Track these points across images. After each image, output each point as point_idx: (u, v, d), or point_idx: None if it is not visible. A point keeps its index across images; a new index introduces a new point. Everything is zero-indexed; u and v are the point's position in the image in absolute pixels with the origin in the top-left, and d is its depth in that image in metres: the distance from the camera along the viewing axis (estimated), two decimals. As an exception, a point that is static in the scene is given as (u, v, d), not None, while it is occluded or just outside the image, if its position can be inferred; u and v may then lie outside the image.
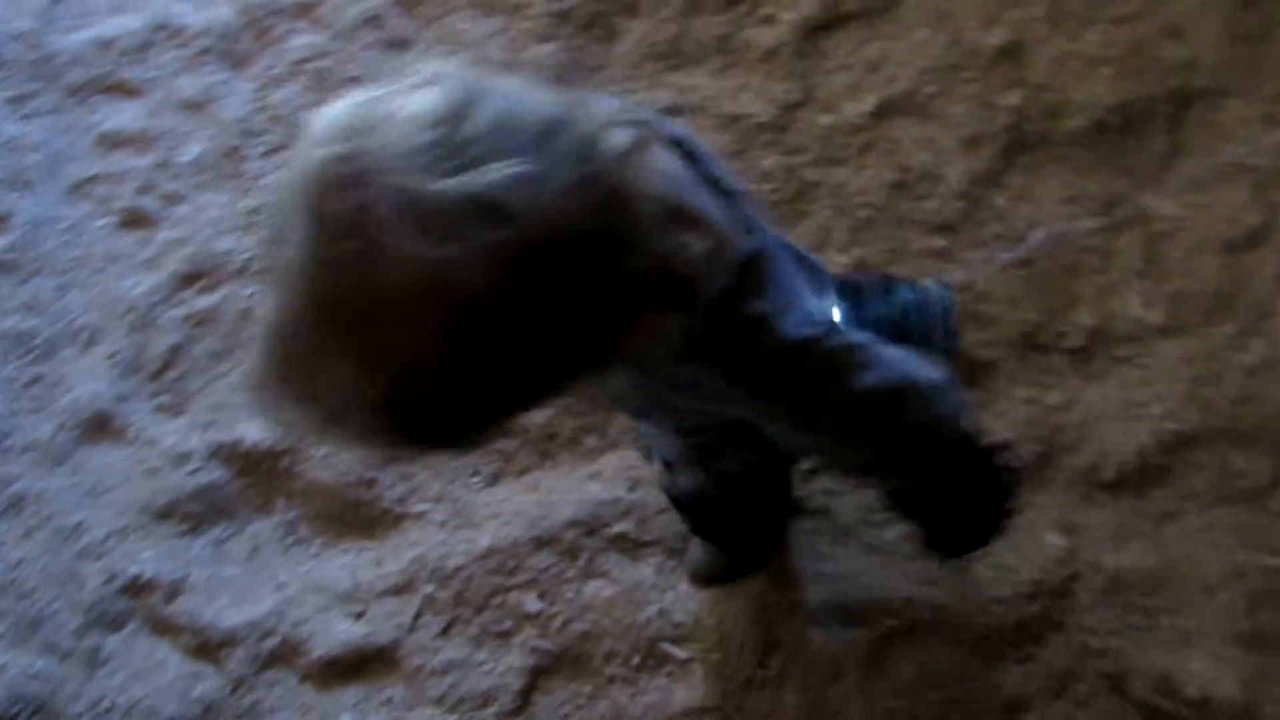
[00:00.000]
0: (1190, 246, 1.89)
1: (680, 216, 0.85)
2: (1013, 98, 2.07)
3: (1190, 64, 2.06)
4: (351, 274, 0.66)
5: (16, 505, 1.90)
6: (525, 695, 1.68)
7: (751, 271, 0.94)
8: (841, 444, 1.11)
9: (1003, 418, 1.77)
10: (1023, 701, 1.56)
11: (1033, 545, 1.65)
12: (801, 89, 2.14)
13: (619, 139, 0.77)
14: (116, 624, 1.80)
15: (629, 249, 0.74)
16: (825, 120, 2.10)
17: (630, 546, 1.76)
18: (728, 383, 0.98)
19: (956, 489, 1.24)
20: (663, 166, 0.88)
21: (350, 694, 1.72)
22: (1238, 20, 2.08)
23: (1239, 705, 1.50)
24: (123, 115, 2.31)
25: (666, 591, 1.71)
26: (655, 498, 1.73)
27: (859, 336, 1.05)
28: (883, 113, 2.09)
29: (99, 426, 1.97)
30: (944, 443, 1.13)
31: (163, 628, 1.79)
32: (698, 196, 0.90)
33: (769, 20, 2.23)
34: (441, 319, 0.67)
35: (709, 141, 2.06)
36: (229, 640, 1.77)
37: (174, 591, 1.80)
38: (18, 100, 2.31)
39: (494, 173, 0.66)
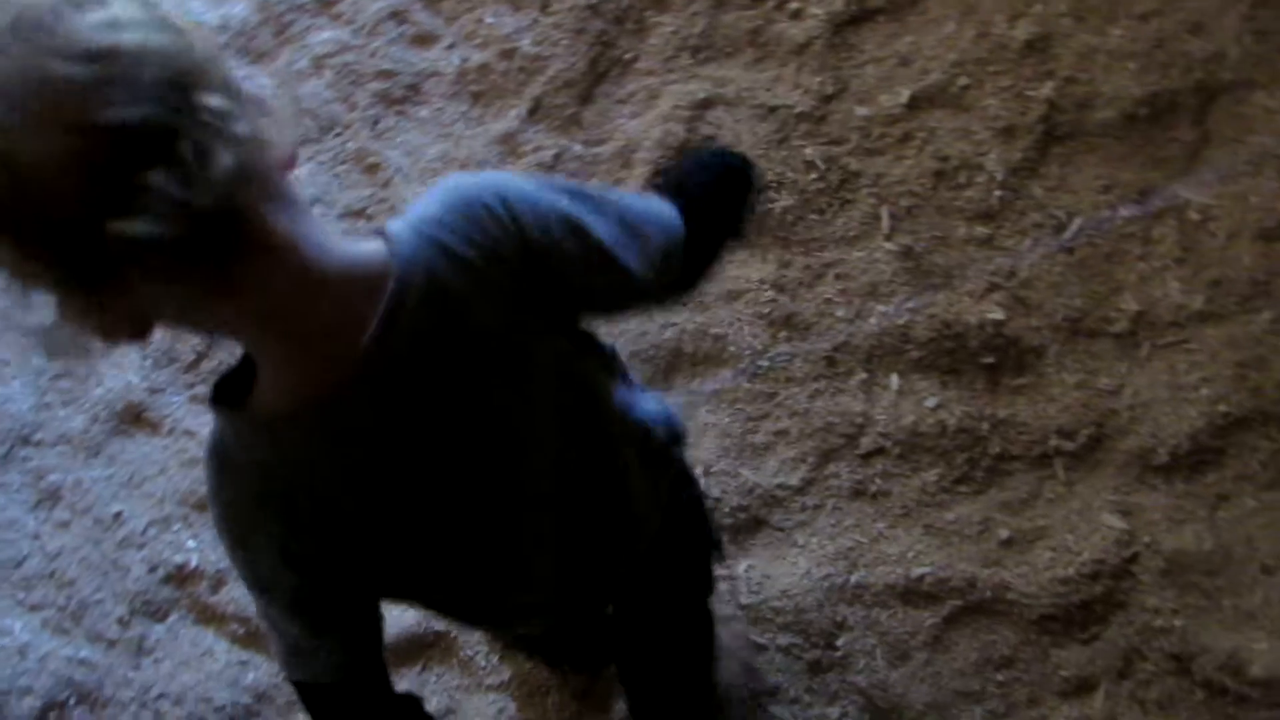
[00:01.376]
0: (1226, 234, 1.93)
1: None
2: (1044, 90, 2.10)
3: (1213, 58, 2.10)
4: None
5: (53, 496, 1.86)
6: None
7: None
8: None
9: (1054, 401, 1.79)
10: (1089, 681, 1.57)
11: (1091, 527, 1.67)
12: (835, 81, 2.15)
13: None
14: (161, 613, 1.76)
15: None
16: (862, 111, 2.11)
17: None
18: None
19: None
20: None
21: (405, 680, 1.70)
22: (1256, 16, 2.12)
23: (1304, 683, 1.52)
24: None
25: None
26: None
27: None
28: (917, 104, 2.12)
29: (133, 418, 1.93)
30: None
31: (208, 616, 1.76)
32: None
33: (798, 15, 2.25)
34: None
35: (748, 131, 2.09)
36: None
37: (218, 580, 1.77)
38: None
39: None
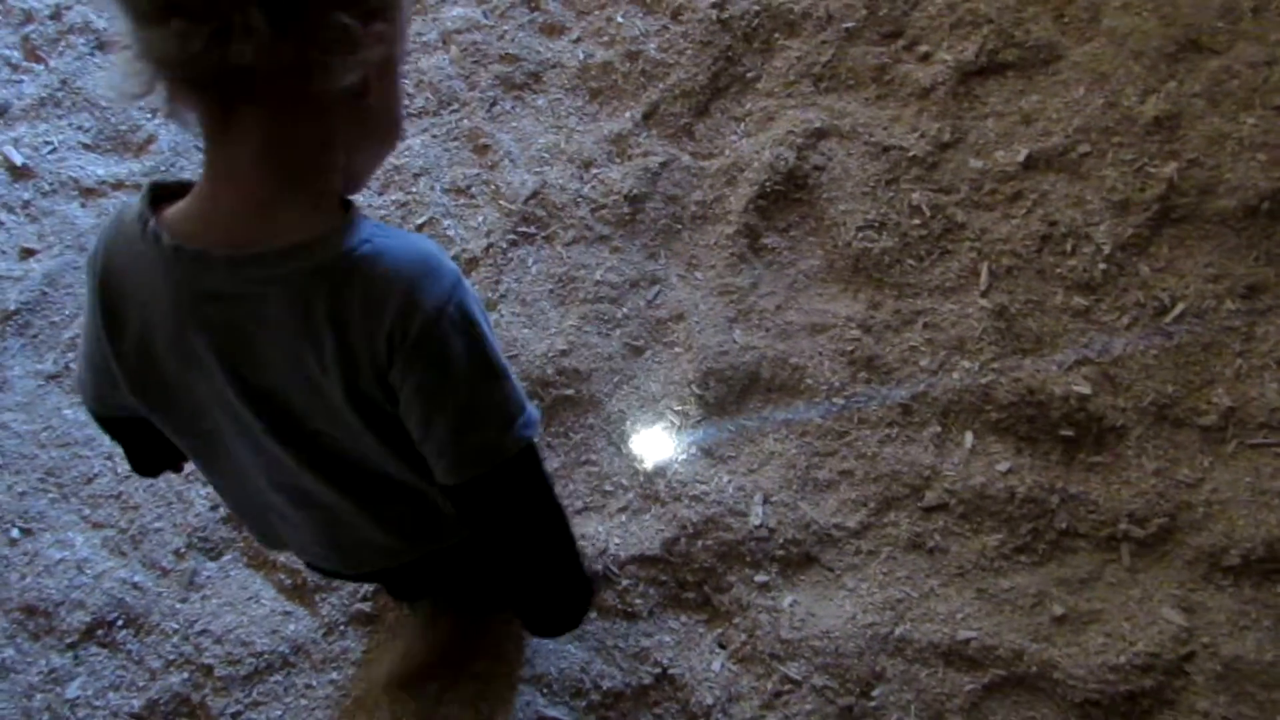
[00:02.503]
0: (1334, 343, 1.87)
1: None
2: (1166, 169, 2.06)
3: (1347, 162, 2.04)
4: None
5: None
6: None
7: None
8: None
9: (1130, 485, 1.75)
10: (1122, 774, 1.54)
11: (1149, 618, 1.63)
12: (954, 129, 2.13)
13: None
14: (216, 551, 1.80)
15: None
16: (976, 163, 2.09)
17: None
18: None
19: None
20: None
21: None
22: (1398, 126, 2.06)
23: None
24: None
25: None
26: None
27: None
28: (1034, 164, 2.09)
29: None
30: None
31: (260, 562, 1.79)
32: None
33: (926, 58, 2.23)
34: None
35: (858, 167, 2.08)
36: (324, 586, 1.77)
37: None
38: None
39: None
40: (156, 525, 1.81)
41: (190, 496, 1.83)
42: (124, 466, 1.86)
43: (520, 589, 1.22)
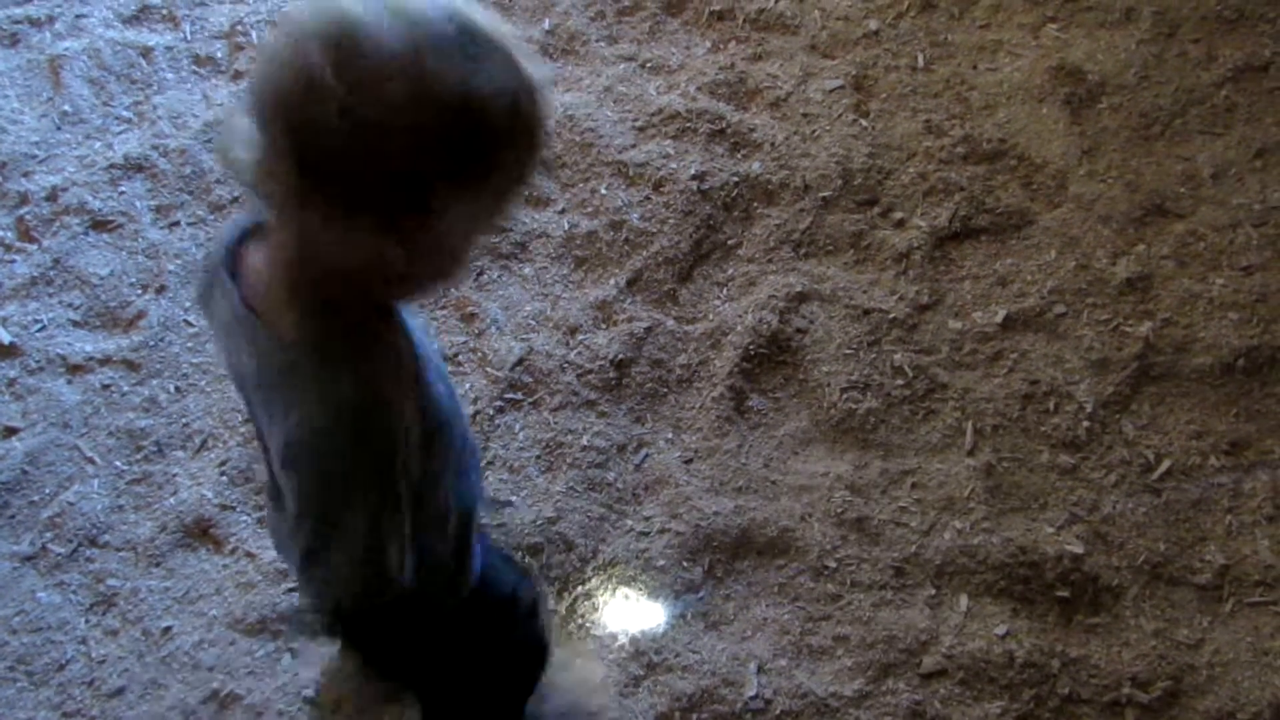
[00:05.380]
0: (1321, 497, 1.88)
1: None
2: (1141, 328, 2.11)
3: (1316, 318, 2.10)
4: None
5: (108, 601, 1.86)
6: None
7: None
8: None
9: (1130, 647, 1.73)
10: None
11: (1160, 786, 1.58)
12: (931, 292, 2.18)
13: None
14: (196, 738, 1.73)
15: None
16: (955, 324, 2.13)
17: None
18: None
19: None
20: None
21: None
22: (1362, 282, 2.13)
23: None
24: (262, 233, 2.38)
25: None
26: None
27: None
28: (1012, 325, 2.13)
29: (200, 532, 1.94)
30: None
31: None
32: None
33: (902, 225, 2.30)
34: None
35: (840, 330, 2.11)
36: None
37: (256, 713, 1.74)
38: (164, 209, 2.38)
39: None
40: (130, 714, 1.75)
41: (166, 682, 1.78)
42: (98, 651, 1.81)
43: None
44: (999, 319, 2.13)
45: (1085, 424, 1.99)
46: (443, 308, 2.25)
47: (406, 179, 0.83)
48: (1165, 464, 1.94)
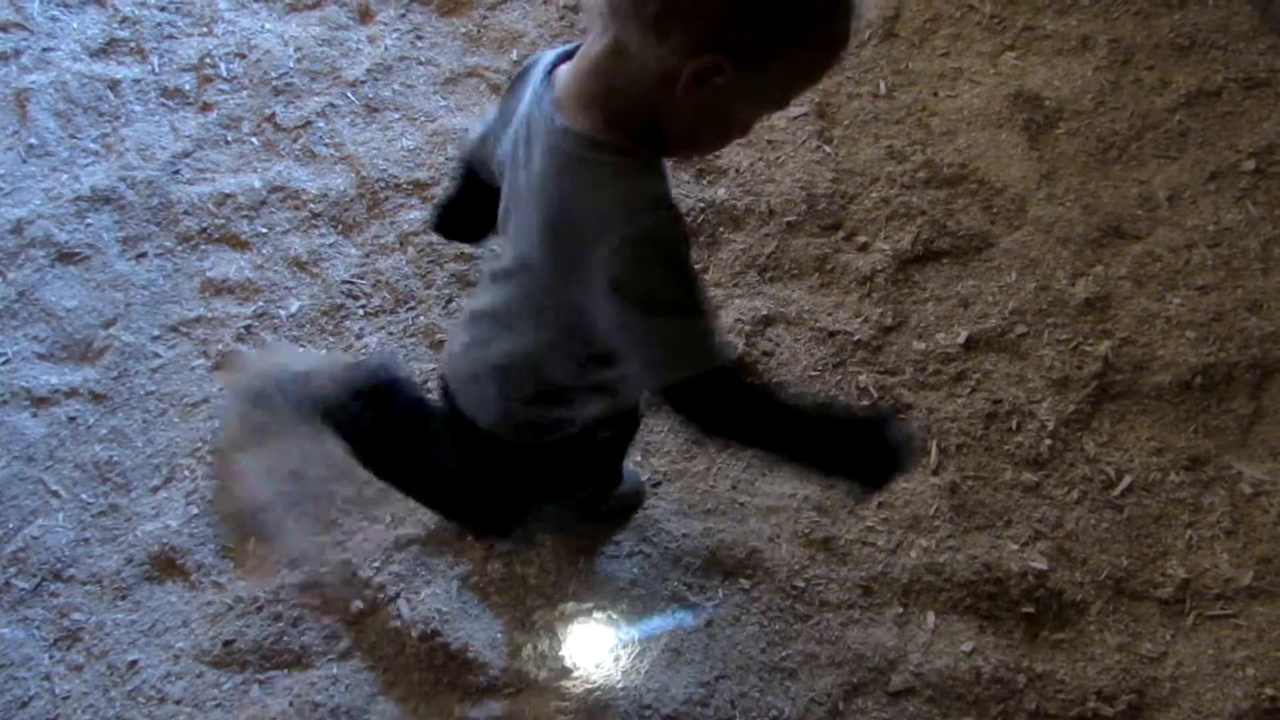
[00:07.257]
0: (1278, 512, 1.91)
1: None
2: (1100, 347, 2.14)
3: (1270, 337, 2.14)
4: None
5: (72, 636, 1.85)
6: None
7: None
8: None
9: (1095, 661, 1.74)
10: None
11: (1126, 800, 1.59)
12: (895, 314, 2.21)
13: None
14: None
15: None
16: (919, 346, 2.16)
17: None
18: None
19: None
20: None
21: None
22: (1314, 302, 2.17)
23: None
24: (230, 265, 2.38)
25: None
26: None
27: None
28: (974, 345, 2.16)
29: (166, 564, 1.93)
30: None
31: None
32: None
33: (865, 248, 2.33)
34: None
35: (806, 352, 2.13)
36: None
37: (222, 748, 1.73)
38: (131, 241, 2.38)
39: None
40: (96, 745, 1.73)
41: (132, 717, 1.76)
42: (62, 687, 1.80)
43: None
44: (961, 340, 2.16)
45: (1047, 442, 2.01)
46: (411, 335, 2.26)
47: (725, 14, 0.91)
48: (1126, 480, 1.97)
